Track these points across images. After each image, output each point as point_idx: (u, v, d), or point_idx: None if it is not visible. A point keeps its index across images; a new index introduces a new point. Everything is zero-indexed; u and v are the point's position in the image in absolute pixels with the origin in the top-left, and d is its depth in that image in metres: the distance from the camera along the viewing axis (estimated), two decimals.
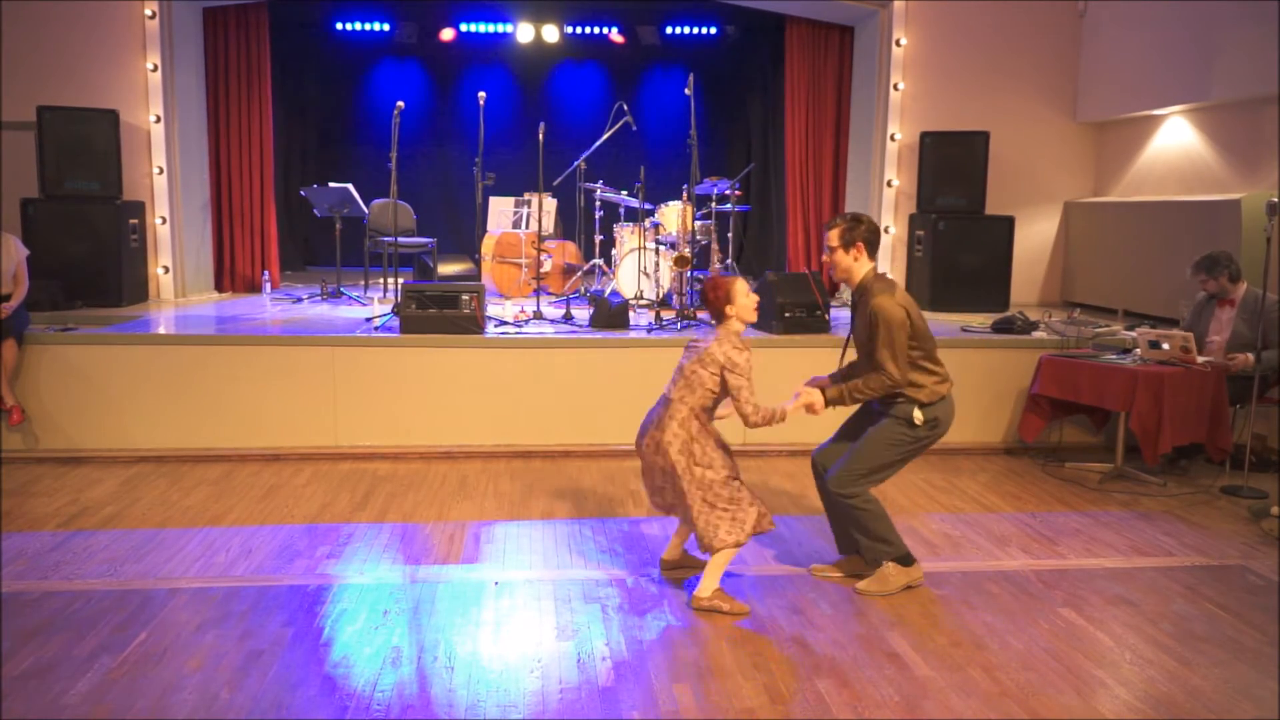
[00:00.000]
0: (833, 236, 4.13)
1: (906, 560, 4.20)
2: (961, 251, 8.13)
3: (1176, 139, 7.83)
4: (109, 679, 3.34)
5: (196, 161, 8.49)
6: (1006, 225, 8.23)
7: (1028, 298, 8.92)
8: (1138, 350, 5.90)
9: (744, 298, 4.06)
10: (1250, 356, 5.64)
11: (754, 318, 4.11)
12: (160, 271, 8.13)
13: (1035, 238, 8.91)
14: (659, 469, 4.13)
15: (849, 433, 4.34)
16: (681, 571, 4.36)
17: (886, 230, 8.71)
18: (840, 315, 7.63)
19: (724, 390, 4.03)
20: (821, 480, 4.34)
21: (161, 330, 6.59)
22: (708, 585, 4.01)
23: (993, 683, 3.43)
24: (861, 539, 4.18)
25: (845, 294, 8.90)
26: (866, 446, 4.13)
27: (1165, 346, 5.72)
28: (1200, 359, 5.66)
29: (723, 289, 4.07)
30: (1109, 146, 8.77)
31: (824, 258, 4.25)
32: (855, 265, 4.13)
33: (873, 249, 4.15)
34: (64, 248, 7.33)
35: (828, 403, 4.08)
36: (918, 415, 4.04)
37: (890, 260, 8.76)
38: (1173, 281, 7.24)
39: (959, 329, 7.02)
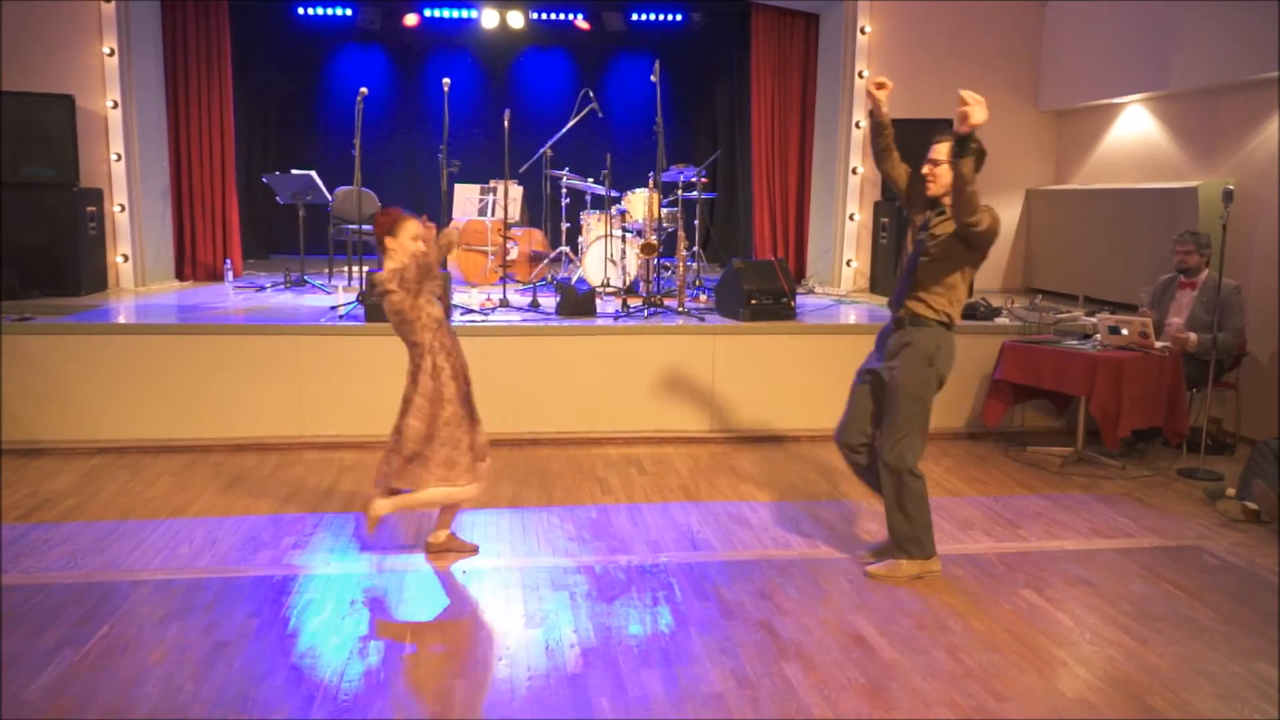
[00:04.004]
0: (941, 149, 3.95)
1: (929, 554, 4.21)
2: None
3: (1136, 127, 7.94)
4: (71, 672, 3.30)
5: (156, 148, 8.35)
6: None
7: (990, 284, 9.01)
8: (1098, 336, 5.99)
9: (409, 240, 3.91)
10: (1194, 336, 5.83)
11: (429, 257, 3.92)
12: (119, 260, 8.00)
13: None
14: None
15: (863, 404, 4.27)
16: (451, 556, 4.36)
17: (852, 218, 8.76)
18: (806, 303, 7.67)
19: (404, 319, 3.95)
20: (856, 457, 4.30)
21: (121, 320, 6.49)
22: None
23: (956, 664, 3.48)
24: (898, 526, 4.17)
25: (810, 282, 8.94)
26: (901, 406, 4.05)
27: (1124, 332, 5.82)
28: (1159, 344, 5.76)
29: (391, 220, 3.92)
30: (1070, 134, 8.87)
31: (923, 170, 4.03)
32: None
33: (978, 168, 3.95)
34: (20, 236, 7.18)
35: (963, 166, 3.71)
36: (936, 345, 4.01)
37: (856, 247, 8.81)
38: (1132, 268, 7.35)
39: None
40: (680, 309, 6.96)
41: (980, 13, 8.65)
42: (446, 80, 7.27)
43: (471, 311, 6.76)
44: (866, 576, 4.21)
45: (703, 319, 6.63)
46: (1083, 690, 3.32)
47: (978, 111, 3.64)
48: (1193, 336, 5.87)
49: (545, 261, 8.59)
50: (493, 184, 8.66)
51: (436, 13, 10.30)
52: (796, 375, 6.49)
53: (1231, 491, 5.19)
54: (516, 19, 10.02)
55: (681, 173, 8.02)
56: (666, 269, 8.03)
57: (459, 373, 4.12)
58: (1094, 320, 6.21)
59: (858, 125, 8.62)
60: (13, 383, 5.90)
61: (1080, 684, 3.37)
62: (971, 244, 3.97)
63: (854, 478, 4.57)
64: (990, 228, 3.88)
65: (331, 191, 8.46)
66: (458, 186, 8.78)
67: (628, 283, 7.78)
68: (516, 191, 8.75)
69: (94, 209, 7.65)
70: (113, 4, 7.66)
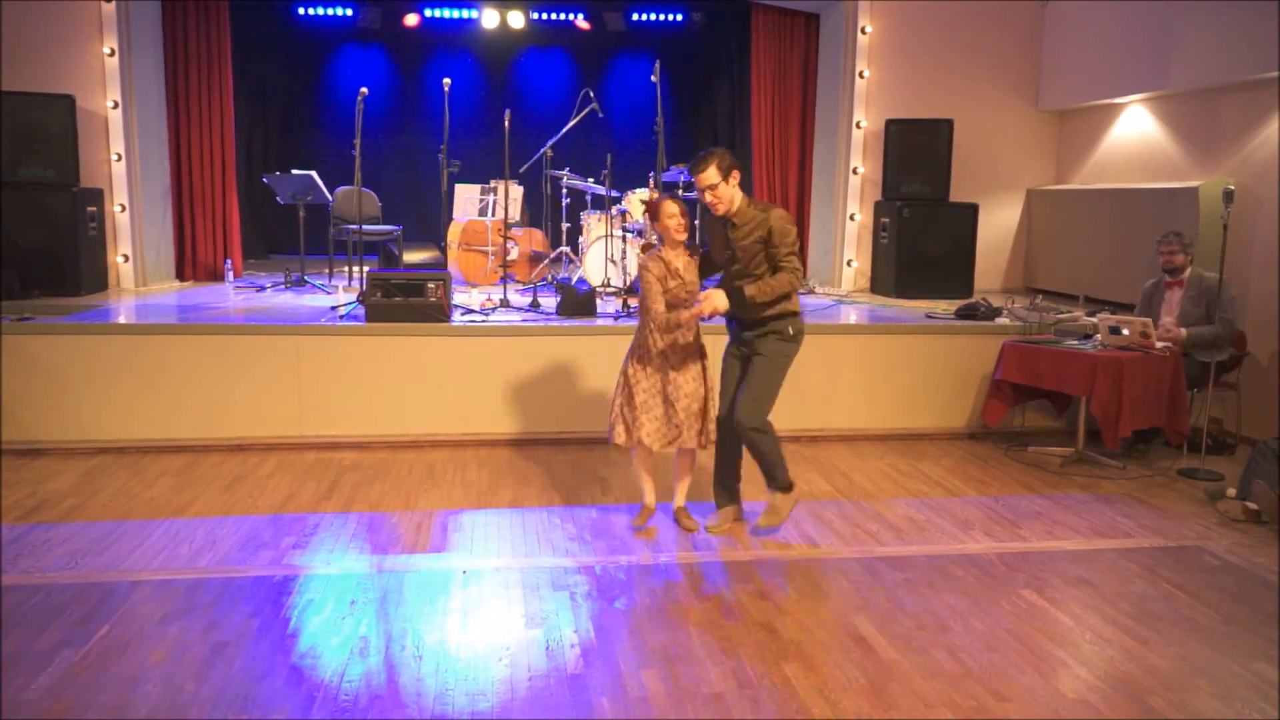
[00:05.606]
0: (711, 173, 4.25)
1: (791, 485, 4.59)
2: (926, 238, 8.19)
3: (1136, 127, 7.94)
4: (71, 673, 3.30)
5: (156, 148, 8.35)
6: (970, 212, 8.30)
7: (991, 284, 9.01)
8: (1098, 336, 5.99)
9: (668, 217, 4.34)
10: (1183, 331, 5.91)
11: (681, 235, 4.38)
12: (120, 260, 8.00)
13: (998, 225, 9.00)
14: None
15: (733, 383, 4.58)
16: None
17: (852, 218, 8.76)
18: (807, 303, 7.66)
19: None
20: (726, 432, 4.58)
21: (122, 320, 6.49)
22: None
23: (956, 664, 3.48)
24: (770, 470, 4.49)
25: (811, 282, 8.93)
26: (761, 375, 4.41)
27: (1125, 332, 5.82)
28: (1159, 344, 5.76)
29: (651, 209, 4.40)
30: (1071, 134, 8.87)
31: (705, 198, 4.32)
32: (735, 192, 4.32)
33: (729, 175, 4.31)
34: (20, 236, 7.19)
35: (747, 296, 4.25)
36: (790, 328, 4.41)
37: (856, 247, 8.81)
38: (1133, 268, 7.35)
39: (923, 315, 7.08)
40: None
41: (980, 13, 8.65)
42: (446, 80, 7.27)
43: (472, 312, 6.76)
44: (756, 532, 4.62)
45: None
46: (1083, 690, 3.32)
47: (717, 302, 4.29)
48: (1182, 331, 5.89)
49: (545, 262, 8.59)
50: (493, 184, 8.66)
51: (436, 13, 10.30)
52: (796, 376, 6.38)
53: (1232, 491, 5.19)
54: (516, 19, 10.02)
55: (682, 173, 8.02)
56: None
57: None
58: (1094, 320, 6.21)
59: (858, 125, 8.62)
60: (13, 383, 5.90)
61: (1080, 684, 3.36)
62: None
63: (856, 477, 4.66)
64: (795, 247, 4.35)
65: (332, 191, 8.46)
66: (458, 186, 8.78)
67: (628, 283, 7.77)
68: (517, 191, 8.75)
69: (94, 209, 7.65)
70: (113, 4, 7.66)
